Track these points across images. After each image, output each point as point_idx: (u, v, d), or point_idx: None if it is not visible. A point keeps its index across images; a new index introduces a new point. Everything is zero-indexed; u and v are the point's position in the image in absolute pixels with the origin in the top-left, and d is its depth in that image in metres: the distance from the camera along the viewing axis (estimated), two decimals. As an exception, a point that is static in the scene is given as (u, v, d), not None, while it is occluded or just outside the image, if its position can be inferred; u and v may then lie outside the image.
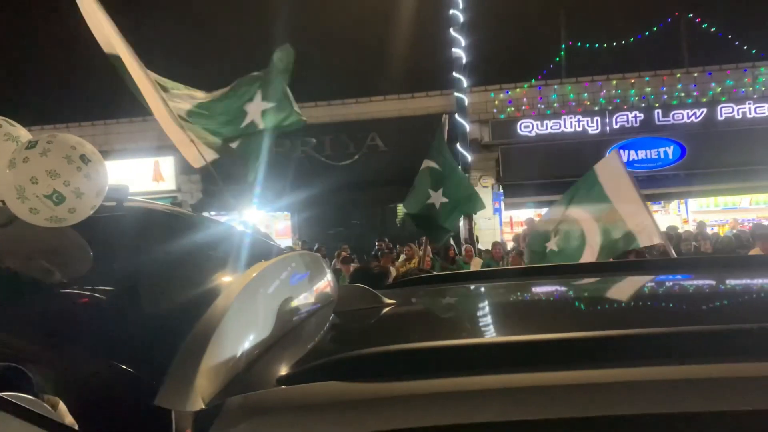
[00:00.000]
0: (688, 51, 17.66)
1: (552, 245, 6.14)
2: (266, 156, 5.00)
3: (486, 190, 15.11)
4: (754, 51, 15.88)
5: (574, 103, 15.13)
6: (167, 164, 16.34)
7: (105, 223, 1.83)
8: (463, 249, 10.79)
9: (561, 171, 14.26)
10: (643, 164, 14.42)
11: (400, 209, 16.73)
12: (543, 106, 15.24)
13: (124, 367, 1.25)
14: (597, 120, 14.64)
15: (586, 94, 15.17)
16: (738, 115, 14.22)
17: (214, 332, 1.30)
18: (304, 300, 1.94)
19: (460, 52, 14.44)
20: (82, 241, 1.73)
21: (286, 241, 14.29)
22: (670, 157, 14.34)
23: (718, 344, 1.12)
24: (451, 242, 12.68)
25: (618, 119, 14.58)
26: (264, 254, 2.02)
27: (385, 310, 1.81)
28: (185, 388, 1.17)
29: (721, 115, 14.26)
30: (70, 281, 1.67)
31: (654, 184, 13.90)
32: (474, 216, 14.40)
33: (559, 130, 14.71)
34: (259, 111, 5.03)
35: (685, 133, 14.27)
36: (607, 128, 14.58)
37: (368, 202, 15.89)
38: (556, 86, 15.42)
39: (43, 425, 1.20)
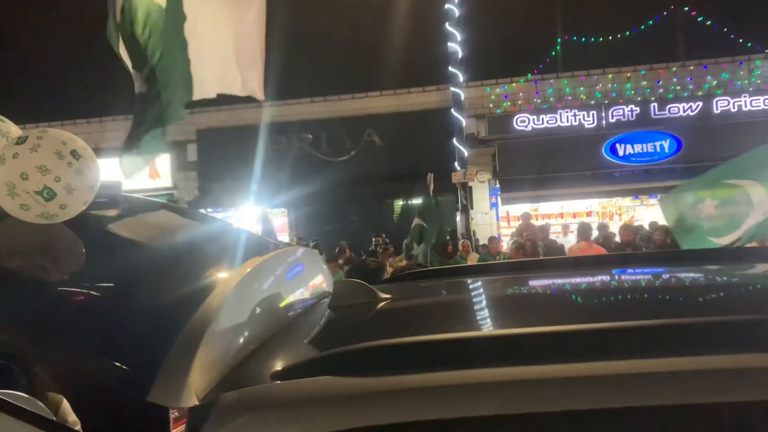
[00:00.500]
0: (684, 44, 17.67)
1: (709, 209, 5.74)
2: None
3: (483, 185, 15.11)
4: (749, 44, 15.87)
5: (570, 98, 15.12)
6: (163, 161, 16.28)
7: (97, 219, 1.82)
8: (459, 244, 10.78)
9: (557, 165, 14.29)
10: (640, 158, 14.43)
11: (397, 205, 16.74)
12: (539, 101, 15.23)
13: (116, 363, 1.24)
14: (593, 114, 14.63)
15: (582, 88, 15.16)
16: (734, 108, 14.22)
17: (208, 328, 1.29)
18: (298, 295, 1.94)
19: (456, 47, 14.38)
20: (75, 237, 1.72)
21: (283, 237, 14.27)
22: (666, 150, 14.35)
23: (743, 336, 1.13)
24: (448, 237, 12.73)
25: (614, 113, 14.57)
26: (259, 250, 2.01)
27: (381, 305, 1.80)
28: (179, 384, 1.17)
29: (717, 109, 14.26)
30: (61, 277, 1.66)
31: (650, 177, 13.92)
32: (471, 211, 14.43)
33: (556, 125, 14.70)
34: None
35: (681, 127, 14.27)
36: (603, 122, 14.58)
37: (365, 198, 15.86)
38: (552, 80, 15.39)
39: (36, 423, 1.19)
